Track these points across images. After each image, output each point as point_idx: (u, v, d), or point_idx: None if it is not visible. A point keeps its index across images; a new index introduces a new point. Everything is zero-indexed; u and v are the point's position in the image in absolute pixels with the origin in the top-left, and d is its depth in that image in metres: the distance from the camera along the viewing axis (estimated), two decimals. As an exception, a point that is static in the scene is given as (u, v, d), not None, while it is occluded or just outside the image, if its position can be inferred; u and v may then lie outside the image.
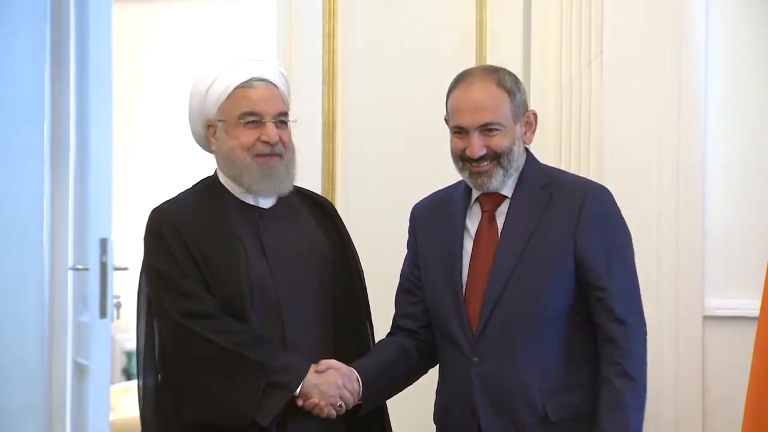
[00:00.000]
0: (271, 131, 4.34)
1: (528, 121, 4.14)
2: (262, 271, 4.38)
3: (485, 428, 4.01)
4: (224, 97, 4.37)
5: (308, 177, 5.67)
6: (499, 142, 4.04)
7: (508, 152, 4.07)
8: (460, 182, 4.31)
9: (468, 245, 4.16)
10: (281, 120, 4.38)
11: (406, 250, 4.50)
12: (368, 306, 4.76)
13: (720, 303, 5.81)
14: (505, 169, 4.08)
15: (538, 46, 6.19)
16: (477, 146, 4.04)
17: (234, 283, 4.39)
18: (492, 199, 4.13)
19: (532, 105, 4.73)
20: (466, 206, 4.24)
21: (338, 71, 6.53)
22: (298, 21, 6.67)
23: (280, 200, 4.49)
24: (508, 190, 4.10)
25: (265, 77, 4.41)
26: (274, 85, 4.40)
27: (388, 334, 4.44)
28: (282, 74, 4.55)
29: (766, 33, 6.04)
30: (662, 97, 6.08)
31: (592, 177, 5.31)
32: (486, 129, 4.04)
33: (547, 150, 5.71)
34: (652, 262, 5.81)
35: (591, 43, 6.05)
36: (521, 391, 4.01)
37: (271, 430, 4.13)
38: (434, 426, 4.38)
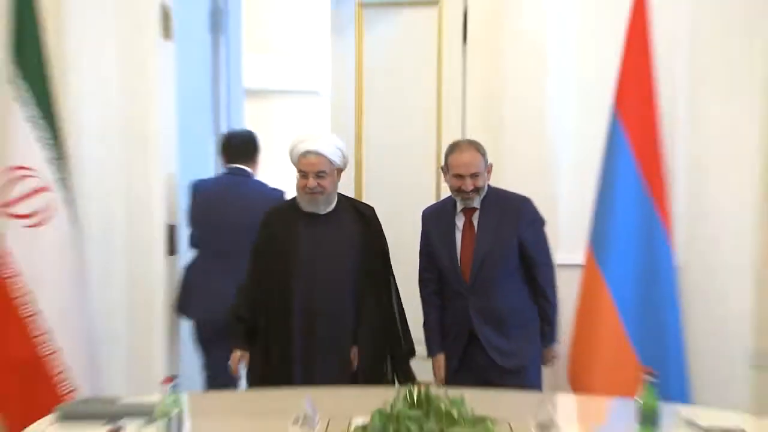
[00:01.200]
0: (310, 183, 5.83)
1: (489, 168, 5.91)
2: (309, 254, 5.96)
3: (479, 333, 5.92)
4: (295, 159, 5.90)
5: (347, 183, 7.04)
6: (478, 182, 5.87)
7: (482, 186, 5.91)
8: (448, 198, 6.10)
9: (458, 236, 6.03)
10: (321, 173, 5.85)
11: (420, 237, 6.19)
12: (389, 276, 6.13)
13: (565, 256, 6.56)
14: (480, 195, 5.94)
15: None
16: (469, 185, 5.87)
17: (285, 261, 5.94)
18: (470, 210, 6.00)
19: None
20: (455, 213, 6.05)
21: (364, 123, 7.17)
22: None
23: (333, 209, 6.02)
24: (478, 204, 5.96)
25: (314, 149, 5.85)
26: (322, 154, 5.85)
27: (420, 281, 6.22)
28: (333, 144, 5.93)
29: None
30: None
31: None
32: (472, 175, 5.85)
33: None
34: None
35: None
36: (496, 311, 5.95)
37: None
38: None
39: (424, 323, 6.19)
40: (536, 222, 6.06)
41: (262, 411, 5.21)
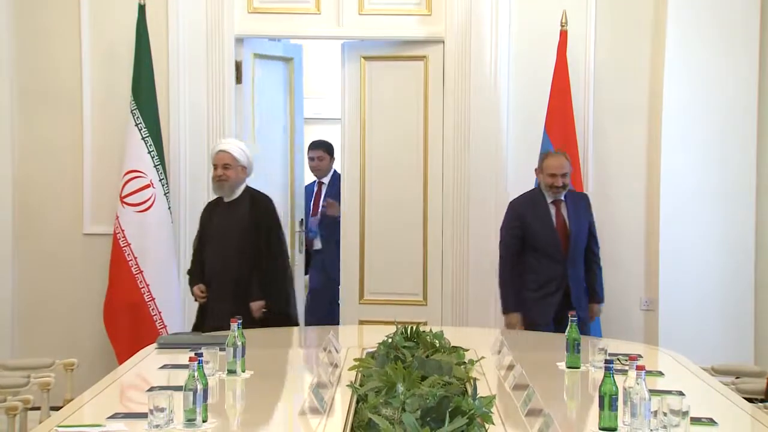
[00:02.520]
0: (218, 172, 5.65)
1: (572, 172, 5.78)
2: (214, 228, 5.77)
3: (573, 295, 5.60)
4: (211, 156, 5.76)
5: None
6: (566, 180, 5.67)
7: (568, 184, 5.73)
8: (532, 192, 5.86)
9: (555, 221, 5.70)
10: (226, 165, 5.62)
11: (507, 220, 5.81)
12: (273, 250, 5.69)
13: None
14: (565, 190, 5.71)
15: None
16: (559, 182, 5.64)
17: (202, 237, 5.82)
18: (557, 202, 5.72)
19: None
20: (547, 203, 5.71)
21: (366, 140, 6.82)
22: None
23: (239, 197, 5.73)
24: (562, 197, 5.71)
25: (223, 148, 5.69)
26: (228, 152, 5.65)
27: (508, 254, 5.75)
28: (239, 147, 5.73)
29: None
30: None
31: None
32: (563, 175, 5.65)
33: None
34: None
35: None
36: (580, 275, 5.71)
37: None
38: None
39: (504, 286, 5.79)
40: (591, 214, 5.90)
41: (298, 343, 5.34)
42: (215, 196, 5.86)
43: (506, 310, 5.75)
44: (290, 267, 5.98)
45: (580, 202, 5.83)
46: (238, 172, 5.69)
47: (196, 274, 5.80)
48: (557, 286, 5.64)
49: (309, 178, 7.55)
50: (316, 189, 7.48)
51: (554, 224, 5.70)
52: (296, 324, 5.84)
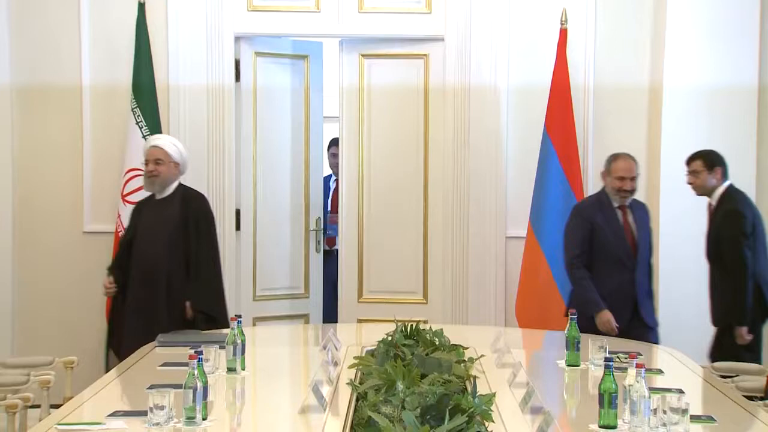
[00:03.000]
0: (149, 167, 5.41)
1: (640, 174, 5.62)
2: (143, 226, 5.49)
3: (639, 302, 5.45)
4: (144, 152, 5.51)
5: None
6: (635, 183, 5.52)
7: (636, 188, 5.56)
8: (596, 196, 5.66)
9: (623, 226, 5.51)
10: (158, 161, 5.39)
11: (573, 225, 5.59)
12: (203, 244, 5.46)
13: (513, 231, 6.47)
14: (633, 195, 5.57)
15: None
16: (628, 186, 5.46)
17: (132, 233, 5.53)
18: (622, 207, 5.53)
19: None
20: (614, 208, 5.51)
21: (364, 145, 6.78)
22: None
23: (172, 193, 5.49)
24: (628, 203, 5.54)
25: (154, 144, 5.48)
26: (160, 147, 5.42)
27: (575, 257, 5.50)
28: (172, 143, 5.53)
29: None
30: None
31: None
32: (631, 178, 5.47)
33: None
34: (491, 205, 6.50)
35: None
36: (646, 285, 5.55)
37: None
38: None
39: (582, 289, 5.47)
40: (649, 221, 5.73)
41: (299, 341, 5.37)
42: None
43: (597, 309, 5.39)
44: (220, 267, 5.70)
45: (642, 210, 5.68)
46: (170, 169, 5.46)
47: (113, 269, 5.59)
48: (627, 294, 5.46)
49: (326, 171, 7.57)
50: (334, 186, 7.47)
51: (623, 229, 5.51)
52: (226, 326, 5.24)
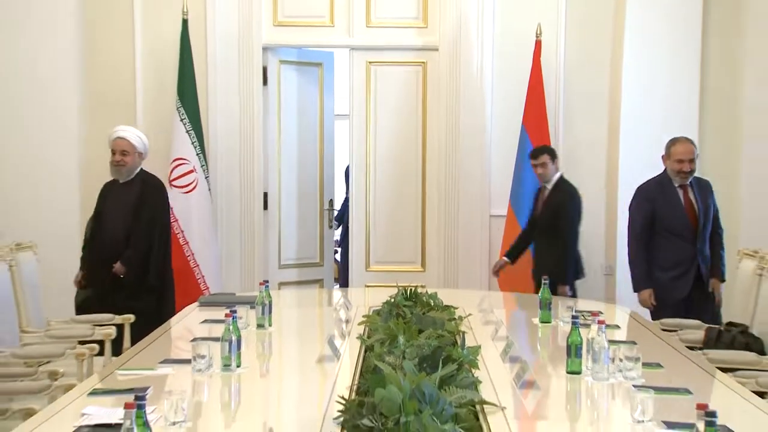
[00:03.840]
0: (116, 157, 5.20)
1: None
2: (109, 207, 5.27)
3: (703, 273, 5.03)
4: (110, 142, 5.25)
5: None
6: (693, 165, 5.05)
7: (695, 169, 5.08)
8: (657, 178, 5.18)
9: (684, 205, 5.09)
10: (124, 152, 5.19)
11: (635, 205, 5.23)
12: (152, 230, 5.24)
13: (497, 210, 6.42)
14: (692, 175, 5.09)
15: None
16: (687, 167, 5.02)
17: (97, 213, 5.30)
18: (683, 186, 5.08)
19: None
20: (674, 188, 5.08)
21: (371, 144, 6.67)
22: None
23: (132, 178, 5.27)
24: (688, 182, 5.08)
25: (120, 136, 5.24)
26: (125, 139, 5.21)
27: (636, 237, 5.15)
28: (136, 135, 5.30)
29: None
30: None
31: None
32: (690, 160, 5.02)
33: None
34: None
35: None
36: (708, 257, 5.08)
37: None
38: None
39: (632, 267, 5.22)
40: (713, 197, 5.22)
41: (316, 302, 5.22)
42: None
43: (638, 287, 5.20)
44: (168, 240, 5.49)
45: (704, 187, 5.21)
46: (135, 158, 5.27)
47: (85, 258, 5.38)
48: (689, 265, 5.10)
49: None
50: None
51: (683, 207, 5.10)
52: (159, 293, 5.32)
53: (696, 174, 5.17)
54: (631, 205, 5.30)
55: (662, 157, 5.14)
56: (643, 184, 5.27)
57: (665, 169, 5.16)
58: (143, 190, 5.25)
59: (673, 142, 5.11)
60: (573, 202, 5.55)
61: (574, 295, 5.42)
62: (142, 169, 5.35)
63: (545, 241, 5.58)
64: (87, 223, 5.49)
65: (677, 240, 5.08)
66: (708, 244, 5.13)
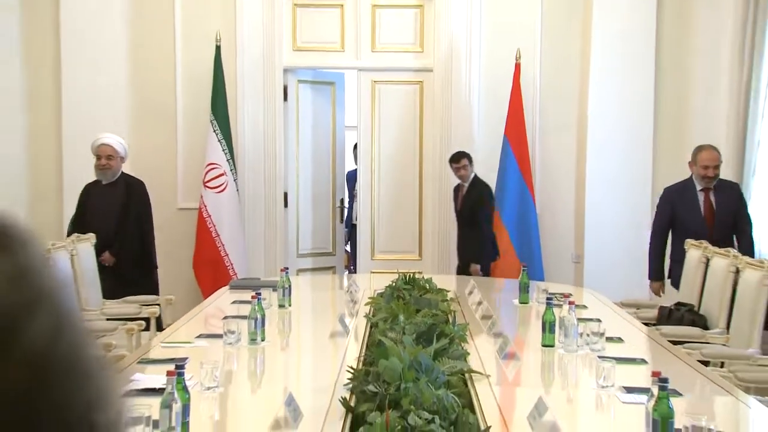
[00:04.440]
0: (102, 162, 5.00)
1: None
2: (94, 206, 5.06)
3: None
4: (94, 148, 5.05)
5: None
6: (717, 171, 4.75)
7: (719, 174, 4.77)
8: (684, 182, 4.90)
9: (703, 207, 4.80)
10: (109, 156, 5.00)
11: (660, 205, 5.01)
12: (143, 224, 5.15)
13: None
14: (716, 180, 4.76)
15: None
16: (711, 173, 4.71)
17: (83, 211, 5.07)
18: (706, 190, 4.77)
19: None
20: (695, 191, 4.79)
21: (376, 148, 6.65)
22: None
23: (116, 180, 5.08)
24: (712, 186, 4.77)
25: (104, 142, 5.04)
26: (110, 145, 5.02)
27: (655, 233, 5.00)
28: (118, 141, 5.12)
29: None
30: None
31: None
32: (714, 167, 4.72)
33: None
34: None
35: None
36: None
37: None
38: None
39: (649, 258, 5.13)
40: (742, 199, 4.90)
41: (329, 286, 5.19)
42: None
43: (651, 277, 5.15)
44: (152, 233, 5.37)
45: (729, 190, 4.86)
46: (118, 162, 5.08)
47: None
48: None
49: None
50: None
51: (702, 209, 4.79)
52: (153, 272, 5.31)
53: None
54: (657, 204, 5.16)
55: (689, 162, 4.90)
56: (668, 186, 5.07)
57: (691, 174, 4.94)
58: (129, 190, 5.10)
59: (699, 149, 4.83)
60: (487, 197, 5.75)
61: (486, 274, 5.59)
62: (122, 171, 5.19)
63: (467, 229, 5.76)
64: (71, 221, 5.26)
65: (692, 238, 4.72)
66: (735, 242, 4.72)
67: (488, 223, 5.75)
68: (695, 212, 4.81)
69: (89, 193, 5.14)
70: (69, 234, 5.03)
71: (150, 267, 5.24)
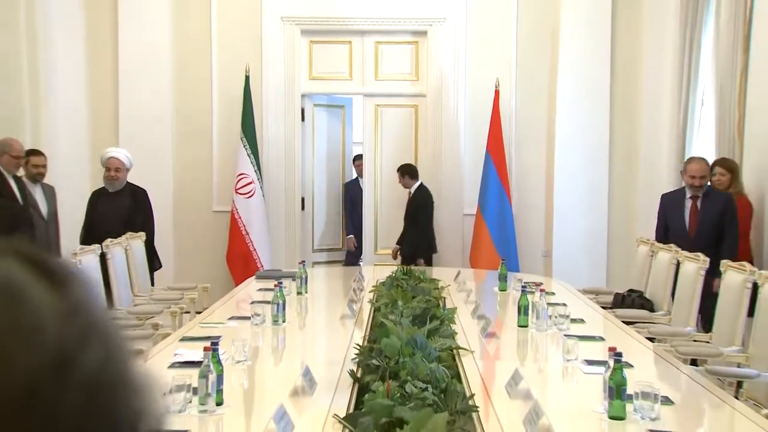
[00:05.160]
0: (112, 173, 4.73)
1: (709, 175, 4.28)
2: (103, 213, 4.73)
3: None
4: (104, 160, 4.80)
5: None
6: (704, 181, 4.24)
7: (706, 184, 4.24)
8: (678, 189, 4.50)
9: (687, 212, 4.35)
10: (117, 168, 4.73)
11: (659, 210, 4.53)
12: (146, 226, 4.80)
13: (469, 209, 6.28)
14: (703, 189, 4.24)
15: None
16: (697, 183, 4.21)
17: (92, 217, 4.72)
18: (695, 197, 4.29)
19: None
20: (685, 198, 4.35)
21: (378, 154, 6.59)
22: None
23: (122, 188, 4.79)
24: (700, 194, 4.27)
25: (113, 156, 4.79)
26: (118, 158, 4.76)
27: (657, 233, 4.50)
28: (125, 155, 4.83)
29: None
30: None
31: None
32: (701, 177, 4.22)
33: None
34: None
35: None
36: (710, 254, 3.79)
37: None
38: None
39: None
40: (729, 209, 4.20)
41: (340, 276, 5.20)
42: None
43: None
44: (153, 234, 5.04)
45: (718, 199, 4.26)
46: (124, 173, 4.82)
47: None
48: None
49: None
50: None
51: (687, 214, 4.36)
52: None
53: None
54: (657, 210, 4.72)
55: (681, 172, 4.54)
56: (665, 193, 4.69)
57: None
58: (135, 197, 4.85)
59: (689, 160, 4.44)
60: (425, 202, 5.87)
61: (429, 264, 5.59)
62: (127, 181, 4.90)
63: (411, 228, 5.86)
64: (84, 226, 4.89)
65: (676, 240, 4.27)
66: (710, 245, 4.08)
67: (424, 224, 5.84)
68: (680, 218, 4.42)
69: (98, 200, 4.86)
70: (82, 237, 4.74)
71: (152, 264, 4.97)
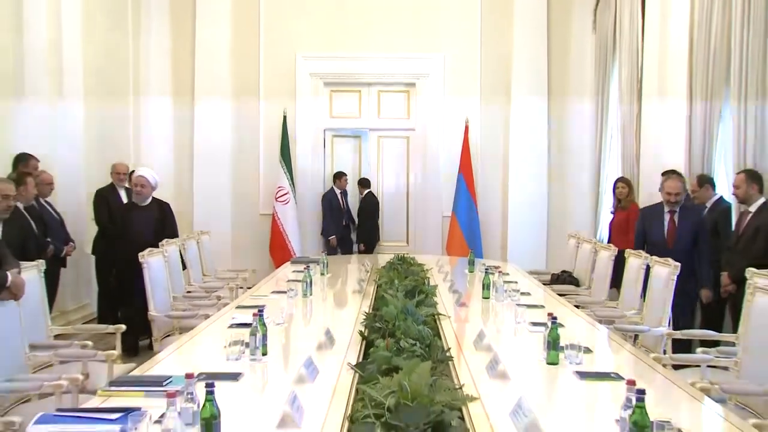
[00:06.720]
0: (138, 189, 4.07)
1: (683, 190, 3.66)
2: (133, 221, 4.05)
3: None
4: (134, 178, 4.15)
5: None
6: (679, 197, 3.60)
7: (681, 199, 3.62)
8: (658, 203, 3.71)
9: (665, 224, 3.63)
10: (143, 185, 4.04)
11: (638, 222, 3.78)
12: (174, 234, 4.15)
13: (447, 214, 6.06)
14: (679, 203, 3.61)
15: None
16: (673, 198, 3.56)
17: (124, 229, 4.05)
18: (672, 211, 3.63)
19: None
20: (663, 212, 3.64)
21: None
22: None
23: (149, 203, 4.12)
24: (677, 208, 3.61)
25: (140, 174, 4.12)
26: (143, 176, 4.08)
27: (634, 244, 3.68)
28: (151, 174, 4.14)
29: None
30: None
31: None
32: (676, 193, 3.58)
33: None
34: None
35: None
36: (687, 262, 3.21)
37: None
38: None
39: None
40: (704, 222, 3.64)
41: (352, 262, 5.12)
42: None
43: None
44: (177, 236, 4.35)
45: (693, 213, 3.68)
46: (149, 189, 4.11)
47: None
48: None
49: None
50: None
51: (665, 227, 3.64)
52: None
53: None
54: (636, 223, 3.94)
55: (659, 188, 3.78)
56: (643, 208, 3.98)
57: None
58: (161, 209, 4.19)
59: (666, 178, 3.74)
60: (373, 203, 5.91)
61: (370, 252, 5.68)
62: (153, 196, 4.18)
63: (364, 223, 5.93)
64: (110, 233, 4.37)
65: (654, 250, 3.46)
66: (687, 255, 3.43)
67: (372, 221, 5.98)
68: (659, 230, 3.66)
69: (129, 212, 4.17)
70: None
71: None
